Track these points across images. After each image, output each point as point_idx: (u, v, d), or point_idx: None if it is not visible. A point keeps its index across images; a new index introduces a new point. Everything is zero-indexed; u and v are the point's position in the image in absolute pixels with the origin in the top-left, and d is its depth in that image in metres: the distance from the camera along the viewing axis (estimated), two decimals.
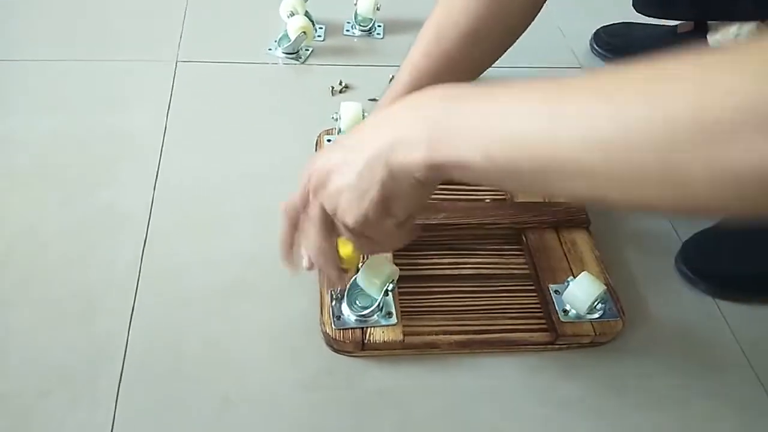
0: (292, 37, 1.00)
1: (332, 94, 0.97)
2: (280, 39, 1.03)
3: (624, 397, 0.67)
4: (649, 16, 0.99)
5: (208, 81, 0.97)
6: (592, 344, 0.70)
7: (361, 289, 0.66)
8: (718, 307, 0.76)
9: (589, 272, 0.70)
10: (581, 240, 0.77)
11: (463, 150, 0.41)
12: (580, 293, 0.68)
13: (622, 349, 0.71)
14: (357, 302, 0.66)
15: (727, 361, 0.72)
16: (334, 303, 0.67)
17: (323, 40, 1.07)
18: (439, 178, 0.45)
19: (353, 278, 0.67)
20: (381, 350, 0.66)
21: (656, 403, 0.67)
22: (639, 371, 0.69)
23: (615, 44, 1.08)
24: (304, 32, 1.00)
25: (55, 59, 0.98)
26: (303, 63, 1.02)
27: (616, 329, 0.69)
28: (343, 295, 0.67)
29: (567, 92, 0.38)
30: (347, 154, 0.47)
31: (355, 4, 1.07)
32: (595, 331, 0.68)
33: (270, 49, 1.03)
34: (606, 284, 0.70)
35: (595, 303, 0.68)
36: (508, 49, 0.71)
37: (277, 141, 0.89)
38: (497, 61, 0.73)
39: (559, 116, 0.37)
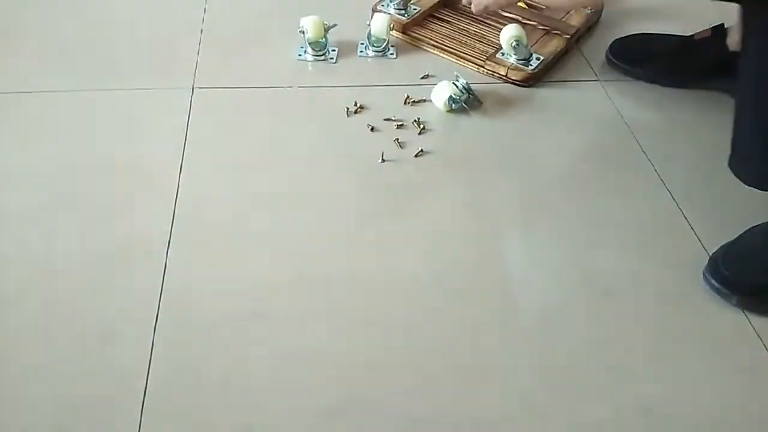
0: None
1: (347, 115, 0.97)
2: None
3: None
4: None
5: (224, 106, 0.98)
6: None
7: None
8: (750, 322, 0.74)
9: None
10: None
11: None
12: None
13: None
14: None
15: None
16: None
17: (335, 62, 1.07)
18: None
19: None
20: None
21: None
22: None
23: (631, 55, 1.07)
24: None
25: (70, 89, 0.99)
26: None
27: None
28: None
29: None
30: None
31: (368, 25, 1.07)
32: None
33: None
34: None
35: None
36: None
37: (294, 164, 0.89)
38: None
39: None
